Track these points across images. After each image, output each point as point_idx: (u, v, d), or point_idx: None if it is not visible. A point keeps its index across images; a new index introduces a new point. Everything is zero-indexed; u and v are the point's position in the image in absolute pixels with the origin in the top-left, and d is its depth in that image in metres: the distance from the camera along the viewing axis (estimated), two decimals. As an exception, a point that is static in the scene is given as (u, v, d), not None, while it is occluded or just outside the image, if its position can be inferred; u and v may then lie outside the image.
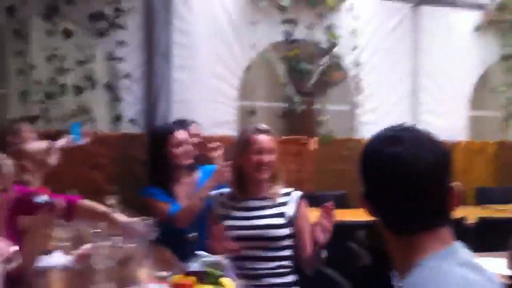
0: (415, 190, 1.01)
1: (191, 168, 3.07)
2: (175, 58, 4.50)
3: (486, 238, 3.60)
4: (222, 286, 1.92)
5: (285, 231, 2.32)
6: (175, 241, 2.55)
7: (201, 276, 1.95)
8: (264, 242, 2.29)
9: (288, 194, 2.42)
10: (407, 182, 1.01)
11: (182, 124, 3.35)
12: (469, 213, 3.97)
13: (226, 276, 2.00)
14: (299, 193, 2.45)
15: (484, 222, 3.81)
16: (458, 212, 3.80)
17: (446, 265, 1.00)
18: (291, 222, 2.35)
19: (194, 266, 2.04)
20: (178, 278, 1.95)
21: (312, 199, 4.43)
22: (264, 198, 2.38)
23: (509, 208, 4.48)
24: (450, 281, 0.97)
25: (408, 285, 1.00)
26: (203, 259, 2.08)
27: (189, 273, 1.98)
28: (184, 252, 2.25)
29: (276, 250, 2.31)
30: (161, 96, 4.44)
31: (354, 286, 2.39)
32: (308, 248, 2.30)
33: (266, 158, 2.34)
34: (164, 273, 1.98)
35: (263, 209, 2.36)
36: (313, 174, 4.90)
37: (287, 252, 2.34)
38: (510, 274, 1.65)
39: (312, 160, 4.92)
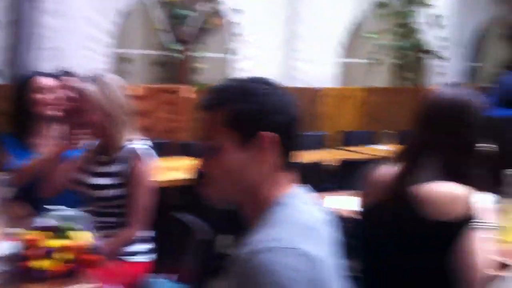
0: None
1: (60, 122, 2.73)
2: (45, 3, 4.30)
3: (348, 177, 3.86)
4: (71, 239, 1.94)
5: (111, 192, 2.22)
6: (32, 197, 2.46)
7: (54, 231, 1.96)
8: (94, 201, 2.24)
9: (129, 149, 2.20)
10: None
11: (54, 74, 3.09)
12: (335, 155, 4.23)
13: (82, 229, 2.01)
14: (138, 148, 2.21)
15: (347, 163, 4.08)
16: (324, 155, 4.04)
17: (297, 202, 1.12)
18: (121, 183, 2.21)
19: (47, 221, 2.03)
20: (29, 234, 1.95)
21: (185, 148, 4.52)
22: (107, 153, 2.26)
23: (371, 150, 4.82)
24: (303, 216, 1.09)
25: (267, 221, 1.08)
26: (58, 213, 2.08)
27: (41, 228, 1.97)
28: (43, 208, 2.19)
29: (110, 208, 2.24)
30: (29, 44, 4.25)
31: (214, 229, 2.48)
32: (134, 216, 2.22)
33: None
34: (16, 230, 1.98)
35: (102, 166, 2.26)
36: (188, 123, 4.96)
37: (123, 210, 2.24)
38: (359, 210, 1.85)
39: (187, 109, 4.96)
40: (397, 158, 1.78)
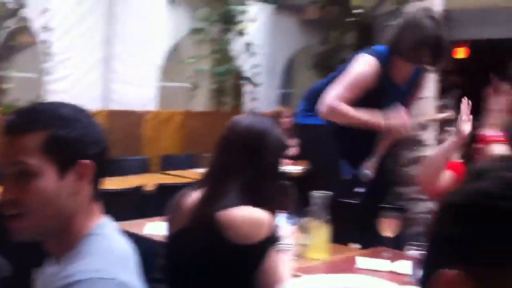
0: None
1: None
2: None
3: (165, 203, 3.82)
4: None
5: None
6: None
7: None
8: None
9: None
10: None
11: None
12: (152, 181, 4.17)
13: None
14: None
15: (163, 188, 4.04)
16: (145, 180, 3.92)
17: (109, 232, 1.11)
18: None
19: None
20: None
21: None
22: None
23: (192, 174, 4.85)
24: (117, 246, 1.09)
25: (81, 252, 1.04)
26: None
27: None
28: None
29: None
30: None
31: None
32: None
33: None
34: None
35: None
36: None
37: None
38: (166, 235, 1.84)
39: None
40: (201, 182, 1.81)
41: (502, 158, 0.77)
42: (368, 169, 2.87)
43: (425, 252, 0.77)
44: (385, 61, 2.67)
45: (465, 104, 2.59)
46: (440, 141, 3.51)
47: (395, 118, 2.61)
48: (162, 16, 5.78)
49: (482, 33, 7.11)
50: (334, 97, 2.64)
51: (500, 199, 0.69)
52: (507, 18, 6.95)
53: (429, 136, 3.19)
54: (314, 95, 3.02)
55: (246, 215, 1.67)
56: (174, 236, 1.81)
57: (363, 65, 2.65)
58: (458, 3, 6.84)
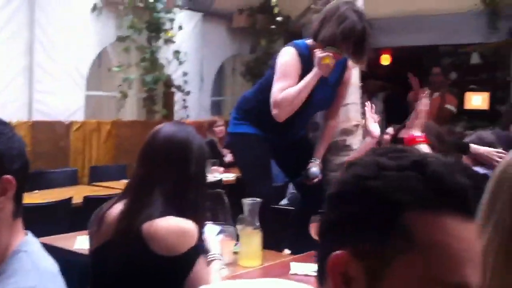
0: None
1: None
2: None
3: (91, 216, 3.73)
4: None
5: None
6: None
7: None
8: None
9: None
10: None
11: None
12: (80, 193, 4.05)
13: None
14: None
15: (92, 201, 3.94)
16: (74, 192, 3.80)
17: (36, 248, 1.09)
18: None
19: None
20: None
21: None
22: None
23: (122, 185, 4.75)
24: (47, 263, 1.08)
25: (6, 274, 1.01)
26: None
27: None
28: None
29: None
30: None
31: None
32: None
33: None
34: None
35: None
36: None
37: None
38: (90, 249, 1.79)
39: None
40: (123, 194, 1.78)
41: (373, 149, 0.83)
42: (316, 168, 2.91)
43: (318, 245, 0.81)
44: (306, 51, 2.81)
45: (369, 107, 2.72)
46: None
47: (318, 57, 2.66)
48: (86, 23, 5.64)
49: (404, 40, 7.38)
50: (276, 92, 2.70)
51: (369, 179, 0.74)
52: (428, 25, 7.26)
53: (355, 141, 3.28)
54: (245, 103, 3.04)
55: (171, 226, 1.65)
56: (98, 250, 1.76)
57: (285, 54, 2.80)
58: (381, 11, 7.08)
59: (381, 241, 0.73)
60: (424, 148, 2.54)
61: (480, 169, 3.28)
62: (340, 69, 2.91)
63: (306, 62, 2.78)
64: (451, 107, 6.52)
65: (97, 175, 5.16)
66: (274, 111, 2.76)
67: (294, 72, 2.75)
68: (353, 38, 2.65)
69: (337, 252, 0.74)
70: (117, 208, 1.73)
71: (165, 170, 1.73)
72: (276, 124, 2.86)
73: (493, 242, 1.15)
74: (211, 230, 2.13)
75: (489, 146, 3.21)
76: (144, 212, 1.66)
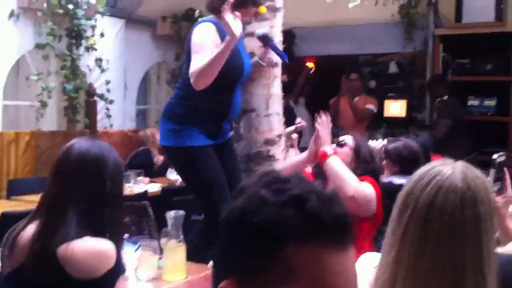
0: None
1: None
2: None
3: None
4: None
5: None
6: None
7: None
8: None
9: None
10: None
11: None
12: (2, 207, 3.89)
13: None
14: None
15: (8, 216, 3.78)
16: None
17: None
18: None
19: None
20: None
21: None
22: None
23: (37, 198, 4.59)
24: None
25: None
26: None
27: None
28: None
29: None
30: None
31: None
32: None
33: None
34: None
35: None
36: None
37: None
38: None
39: None
40: (35, 214, 1.73)
41: (262, 175, 0.90)
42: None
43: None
44: (214, 21, 2.95)
45: (322, 123, 2.80)
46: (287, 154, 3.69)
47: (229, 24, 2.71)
48: (3, 30, 5.41)
49: (326, 50, 7.59)
50: (193, 66, 2.73)
51: (252, 213, 0.80)
52: (348, 35, 7.50)
53: (278, 151, 3.33)
54: (175, 108, 3.03)
55: (87, 249, 1.61)
56: (12, 275, 1.69)
57: (199, 29, 2.86)
58: (304, 21, 7.25)
59: (263, 273, 0.78)
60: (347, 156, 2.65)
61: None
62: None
63: (222, 31, 2.86)
64: (371, 106, 6.79)
65: (16, 188, 4.96)
66: (195, 87, 2.76)
67: (211, 43, 2.80)
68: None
69: (225, 282, 0.80)
70: (30, 229, 1.67)
71: (79, 187, 1.69)
72: (217, 109, 2.92)
73: (403, 253, 1.22)
74: (132, 247, 2.11)
75: (415, 155, 3.41)
76: (59, 233, 1.61)
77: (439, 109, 6.41)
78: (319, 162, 2.66)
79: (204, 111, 2.94)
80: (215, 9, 2.94)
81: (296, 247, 0.79)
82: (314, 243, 0.80)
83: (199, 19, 3.07)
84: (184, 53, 3.09)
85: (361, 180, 2.64)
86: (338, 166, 2.58)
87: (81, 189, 1.69)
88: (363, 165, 2.76)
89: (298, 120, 5.74)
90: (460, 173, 1.21)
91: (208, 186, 2.96)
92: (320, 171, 2.82)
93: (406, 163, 3.33)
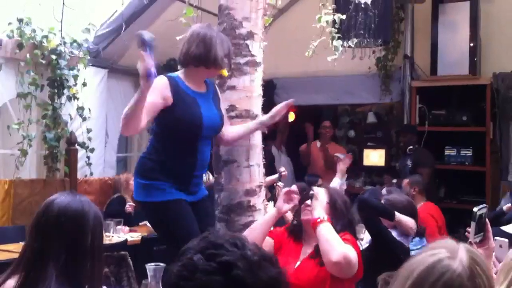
0: None
1: None
2: None
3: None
4: None
5: None
6: None
7: None
8: None
9: None
10: None
11: None
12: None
13: None
14: None
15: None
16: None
17: None
18: None
19: None
20: None
21: None
22: None
23: (17, 248, 4.53)
24: None
25: None
26: None
27: None
28: None
29: None
30: None
31: None
32: None
33: None
34: None
35: None
36: None
37: None
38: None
39: None
40: (16, 268, 1.72)
41: (201, 238, 1.02)
42: None
43: None
44: (174, 76, 2.99)
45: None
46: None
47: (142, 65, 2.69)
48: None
49: (307, 99, 7.74)
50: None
51: (185, 280, 0.93)
52: (327, 86, 7.67)
53: (259, 201, 3.36)
54: (146, 163, 3.04)
55: None
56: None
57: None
58: (285, 72, 7.42)
59: None
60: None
61: (395, 233, 3.53)
62: (213, 88, 3.17)
63: (176, 86, 2.93)
64: (340, 155, 6.88)
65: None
66: (122, 131, 2.79)
67: (156, 92, 2.81)
68: (226, 54, 3.02)
69: None
70: (10, 284, 1.66)
71: (60, 242, 1.70)
72: (181, 165, 2.92)
73: None
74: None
75: (401, 210, 3.53)
76: (39, 286, 1.61)
77: (416, 158, 6.53)
78: (311, 226, 2.67)
79: (170, 166, 2.94)
80: (181, 62, 3.04)
81: None
82: None
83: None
84: None
85: (341, 237, 2.62)
86: (329, 232, 2.57)
87: (62, 244, 1.69)
88: (341, 220, 2.76)
89: (282, 169, 5.82)
90: (467, 269, 1.20)
91: (181, 242, 2.86)
92: (296, 229, 2.85)
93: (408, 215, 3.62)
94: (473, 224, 2.19)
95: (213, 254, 0.94)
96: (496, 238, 2.52)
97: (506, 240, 2.45)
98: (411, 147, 6.67)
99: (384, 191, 5.06)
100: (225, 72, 3.09)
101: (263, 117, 3.26)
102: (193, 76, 3.03)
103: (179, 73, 3.05)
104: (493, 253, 2.28)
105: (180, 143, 2.95)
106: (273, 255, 1.02)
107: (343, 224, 2.74)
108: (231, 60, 3.13)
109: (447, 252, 1.22)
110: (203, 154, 3.05)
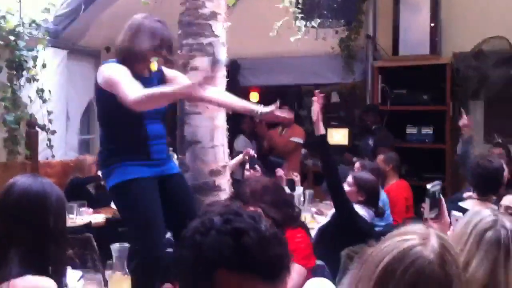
0: None
1: None
2: None
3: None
4: None
5: None
6: None
7: None
8: None
9: None
10: None
11: None
12: None
13: None
14: None
15: None
16: None
17: None
18: None
19: None
20: None
21: None
22: None
23: None
24: None
25: None
26: None
27: None
28: None
29: None
30: None
31: None
32: None
33: None
34: None
35: None
36: None
37: None
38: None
39: None
40: None
41: (227, 203, 1.10)
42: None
43: None
44: (114, 61, 2.93)
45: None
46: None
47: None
48: None
49: (270, 80, 7.76)
50: (129, 92, 2.66)
51: (201, 234, 1.01)
52: (290, 67, 7.69)
53: (224, 181, 3.38)
54: (100, 160, 3.01)
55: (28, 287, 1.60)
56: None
57: (107, 67, 2.86)
58: (248, 53, 7.41)
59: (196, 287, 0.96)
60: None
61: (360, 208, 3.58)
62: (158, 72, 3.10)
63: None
64: (295, 139, 6.96)
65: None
66: (136, 107, 2.69)
67: (126, 70, 2.79)
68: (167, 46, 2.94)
69: (166, 285, 1.02)
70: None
71: (21, 225, 1.68)
72: (134, 141, 2.88)
73: None
74: (72, 278, 2.09)
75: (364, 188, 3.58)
76: (1, 272, 1.60)
77: (377, 138, 6.65)
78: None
79: (123, 142, 2.89)
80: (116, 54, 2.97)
81: (226, 272, 0.95)
82: (241, 274, 0.94)
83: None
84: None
85: (292, 239, 2.52)
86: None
87: (24, 227, 1.67)
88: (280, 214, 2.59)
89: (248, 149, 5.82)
90: (438, 257, 1.21)
91: (142, 224, 2.79)
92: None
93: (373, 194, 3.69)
94: (427, 200, 2.25)
95: (230, 219, 1.00)
96: (453, 213, 2.60)
97: (461, 214, 2.53)
98: (374, 126, 6.78)
99: (357, 164, 5.12)
100: (153, 66, 2.98)
101: (262, 108, 3.14)
102: (129, 64, 2.91)
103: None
104: (451, 228, 2.36)
105: (126, 124, 2.88)
106: (285, 238, 1.05)
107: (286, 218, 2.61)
108: (171, 49, 2.99)
109: (419, 239, 1.23)
110: (153, 128, 2.97)
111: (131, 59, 2.89)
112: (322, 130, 3.33)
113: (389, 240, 1.26)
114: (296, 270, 2.50)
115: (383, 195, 4.52)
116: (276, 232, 1.03)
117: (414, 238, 1.24)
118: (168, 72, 3.13)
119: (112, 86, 2.75)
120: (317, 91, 3.35)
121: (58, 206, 1.75)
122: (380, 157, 5.67)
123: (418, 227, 1.28)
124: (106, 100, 2.84)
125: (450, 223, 2.40)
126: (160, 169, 2.97)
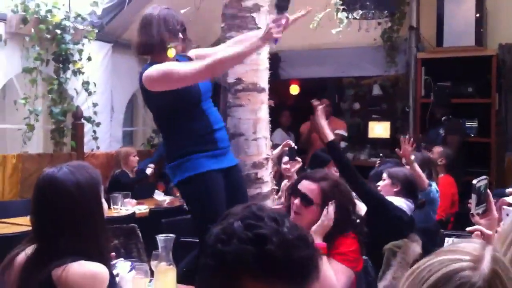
0: None
1: None
2: None
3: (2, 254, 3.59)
4: None
5: None
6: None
7: None
8: None
9: None
10: None
11: None
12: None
13: None
14: None
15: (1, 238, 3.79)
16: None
17: None
18: None
19: None
20: None
21: None
22: None
23: (28, 221, 4.59)
24: None
25: None
26: None
27: None
28: None
29: None
30: None
31: None
32: None
33: None
34: None
35: None
36: None
37: None
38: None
39: None
40: (31, 238, 1.76)
41: (246, 206, 1.08)
42: None
43: None
44: (152, 63, 2.98)
45: None
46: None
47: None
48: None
49: (311, 72, 7.71)
50: (187, 69, 2.74)
51: (222, 243, 0.99)
52: (331, 59, 7.63)
53: (266, 173, 3.40)
54: (166, 152, 3.06)
55: (82, 272, 1.65)
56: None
57: (147, 71, 2.90)
58: (289, 45, 7.37)
59: None
60: None
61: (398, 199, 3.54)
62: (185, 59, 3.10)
63: None
64: (340, 131, 6.89)
65: (3, 211, 4.96)
66: (205, 74, 2.76)
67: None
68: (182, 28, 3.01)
69: None
70: (26, 253, 1.70)
71: (64, 215, 1.72)
72: (198, 127, 2.91)
73: None
74: (123, 268, 2.14)
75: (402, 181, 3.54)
76: (54, 258, 1.65)
77: (448, 127, 6.49)
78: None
79: (188, 134, 2.92)
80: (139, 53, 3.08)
81: (251, 280, 0.94)
82: (266, 280, 0.94)
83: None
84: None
85: (342, 244, 2.49)
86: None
87: (67, 215, 1.71)
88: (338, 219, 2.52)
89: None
90: (488, 285, 1.09)
91: (212, 216, 2.79)
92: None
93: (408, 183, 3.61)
94: (473, 196, 2.20)
95: (252, 224, 0.98)
96: (504, 207, 2.53)
97: (512, 208, 2.47)
98: (444, 117, 6.63)
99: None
100: (170, 53, 2.99)
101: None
102: (158, 59, 2.98)
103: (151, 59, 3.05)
104: (502, 223, 2.30)
105: (186, 112, 2.93)
106: (310, 236, 1.03)
107: (342, 225, 2.54)
108: (185, 30, 3.05)
109: (470, 260, 1.13)
110: (211, 111, 3.02)
111: (155, 52, 2.96)
112: (330, 136, 3.19)
113: (440, 256, 1.16)
114: (345, 273, 2.46)
115: (434, 187, 4.44)
116: (300, 233, 1.01)
117: (465, 259, 1.13)
118: (192, 54, 3.15)
119: (167, 78, 2.81)
120: (316, 102, 3.26)
121: (92, 192, 1.77)
122: (437, 149, 5.55)
123: (473, 246, 1.17)
124: (160, 102, 2.91)
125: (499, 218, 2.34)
126: (226, 159, 3.01)
